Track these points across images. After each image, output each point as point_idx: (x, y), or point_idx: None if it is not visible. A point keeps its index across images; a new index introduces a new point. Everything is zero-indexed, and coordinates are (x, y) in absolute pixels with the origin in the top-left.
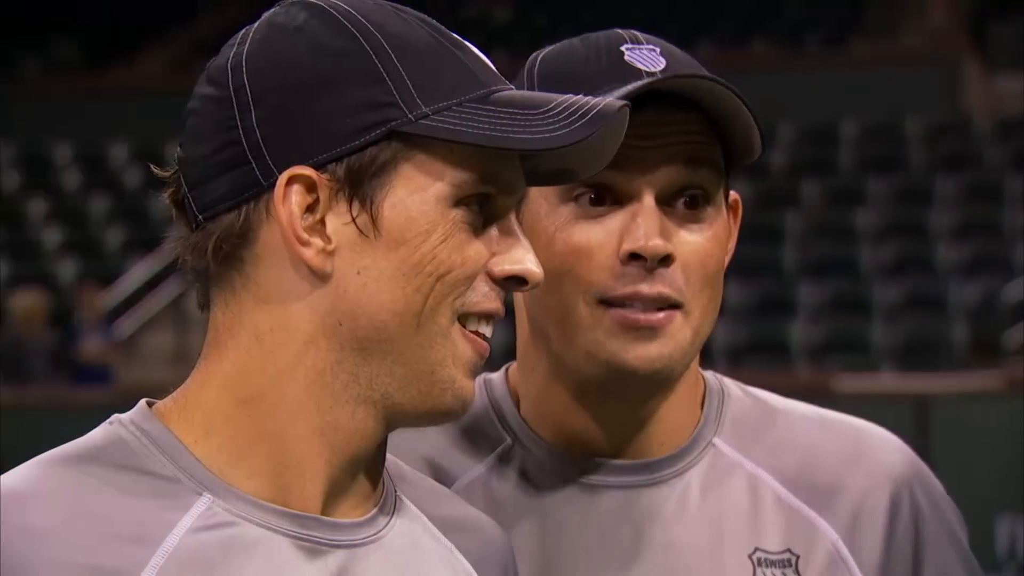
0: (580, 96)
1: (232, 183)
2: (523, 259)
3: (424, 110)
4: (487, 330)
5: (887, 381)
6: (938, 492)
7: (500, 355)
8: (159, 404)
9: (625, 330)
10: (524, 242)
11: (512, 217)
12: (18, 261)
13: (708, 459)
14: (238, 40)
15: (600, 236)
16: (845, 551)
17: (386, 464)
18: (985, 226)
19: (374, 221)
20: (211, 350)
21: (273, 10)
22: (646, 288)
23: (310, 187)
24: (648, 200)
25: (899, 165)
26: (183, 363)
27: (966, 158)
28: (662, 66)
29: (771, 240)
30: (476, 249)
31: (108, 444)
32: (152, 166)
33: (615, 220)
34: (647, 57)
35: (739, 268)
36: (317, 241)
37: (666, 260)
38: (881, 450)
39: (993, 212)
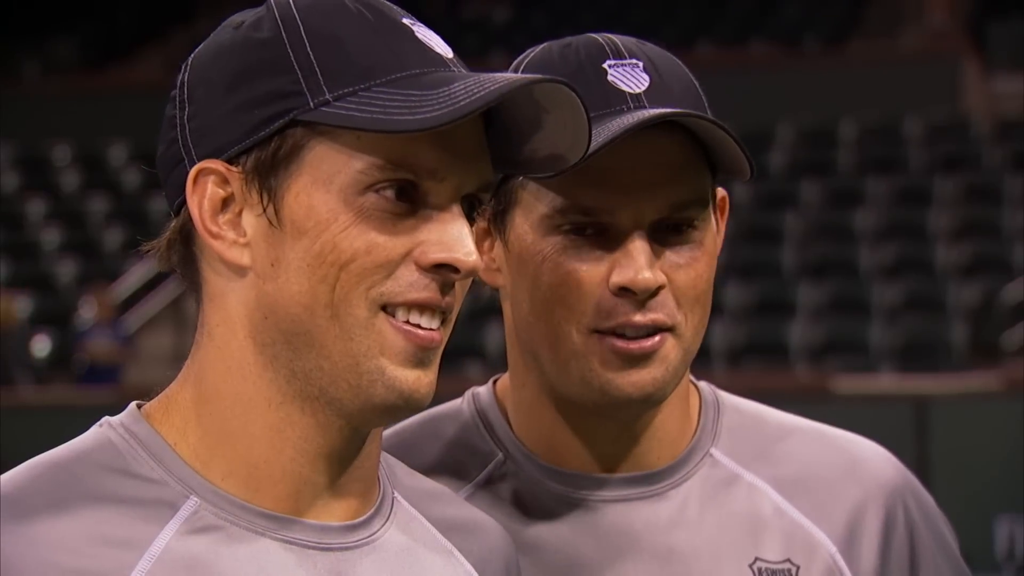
0: (499, 74)
1: (177, 180)
2: (452, 246)
3: (326, 96)
4: (426, 321)
5: (886, 382)
6: (930, 504)
7: (501, 355)
8: (147, 406)
9: (618, 358)
10: (456, 229)
11: (454, 206)
12: (17, 262)
13: (706, 470)
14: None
15: (589, 267)
16: (842, 562)
17: (382, 466)
18: (984, 227)
19: (277, 212)
20: (191, 349)
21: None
22: (639, 317)
23: (223, 180)
24: (636, 232)
25: (898, 166)
26: (182, 364)
27: (965, 159)
28: (645, 85)
29: (770, 241)
30: (388, 237)
31: (97, 447)
32: (144, 166)
33: (603, 251)
34: (630, 75)
35: (738, 269)
36: (229, 234)
37: (657, 290)
38: (875, 463)
39: (992, 213)
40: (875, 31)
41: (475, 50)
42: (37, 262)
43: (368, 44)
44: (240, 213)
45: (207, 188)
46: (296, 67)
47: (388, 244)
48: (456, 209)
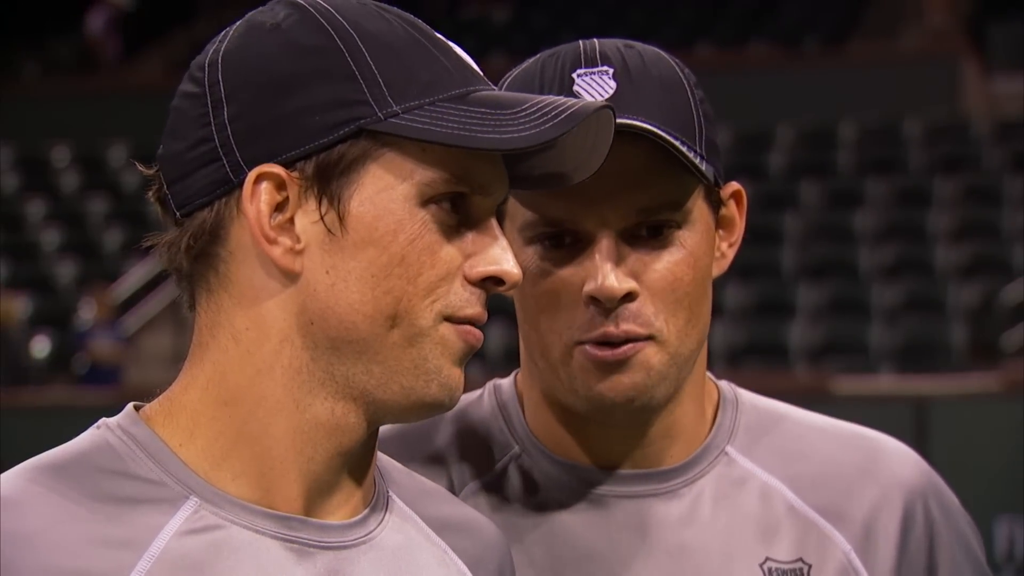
0: (558, 97)
1: (205, 180)
2: (499, 259)
3: (394, 108)
4: (475, 330)
5: (886, 383)
6: (953, 505)
7: (501, 356)
8: (146, 407)
9: (595, 366)
10: (502, 242)
11: (492, 219)
12: (17, 263)
13: (720, 468)
14: (219, 38)
15: (564, 279)
16: (857, 562)
17: (377, 465)
18: (984, 228)
19: (341, 219)
20: (195, 351)
21: (258, 8)
22: (613, 329)
23: (279, 185)
24: (604, 240)
25: (898, 166)
26: (182, 364)
27: (965, 160)
28: (609, 92)
29: (770, 241)
30: (447, 250)
31: (95, 448)
32: (138, 164)
33: (577, 260)
34: (596, 84)
35: (738, 270)
36: (285, 240)
37: (628, 297)
38: (895, 462)
39: (992, 214)
40: (875, 31)
41: (475, 50)
42: (37, 263)
43: (420, 57)
44: (291, 219)
45: (264, 192)
46: (358, 76)
47: (447, 257)
48: (495, 222)
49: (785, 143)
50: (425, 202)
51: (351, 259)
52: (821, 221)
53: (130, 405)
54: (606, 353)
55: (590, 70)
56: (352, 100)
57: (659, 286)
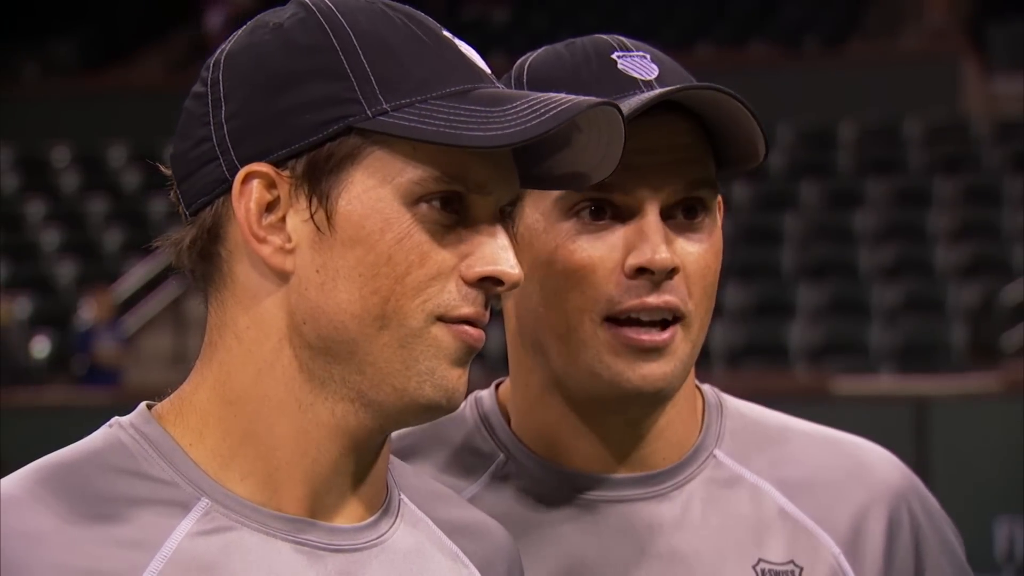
0: (556, 94)
1: (206, 178)
2: (497, 259)
3: (384, 106)
4: (471, 329)
5: (886, 383)
6: (935, 508)
7: (501, 356)
8: (158, 407)
9: (630, 350)
10: (501, 241)
11: (494, 219)
12: (17, 263)
13: (709, 471)
14: (230, 37)
15: (603, 251)
16: (846, 564)
17: (389, 468)
18: (983, 228)
19: (329, 218)
20: (205, 351)
21: (271, 9)
22: (653, 299)
23: (270, 184)
24: (652, 214)
25: (898, 167)
26: (182, 365)
27: (965, 160)
28: (655, 73)
29: (770, 242)
30: (439, 250)
31: (107, 447)
32: (158, 165)
33: (617, 234)
34: (640, 64)
35: (738, 270)
36: (275, 239)
37: (672, 273)
38: (879, 466)
39: (991, 214)
40: (875, 31)
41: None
42: (37, 263)
43: (418, 55)
44: (283, 218)
45: (253, 191)
46: (350, 74)
47: (439, 256)
48: (497, 222)
49: (785, 143)
50: (415, 201)
51: (339, 258)
52: (821, 221)
53: (143, 404)
54: (645, 337)
55: (628, 54)
56: (343, 98)
57: (693, 269)
